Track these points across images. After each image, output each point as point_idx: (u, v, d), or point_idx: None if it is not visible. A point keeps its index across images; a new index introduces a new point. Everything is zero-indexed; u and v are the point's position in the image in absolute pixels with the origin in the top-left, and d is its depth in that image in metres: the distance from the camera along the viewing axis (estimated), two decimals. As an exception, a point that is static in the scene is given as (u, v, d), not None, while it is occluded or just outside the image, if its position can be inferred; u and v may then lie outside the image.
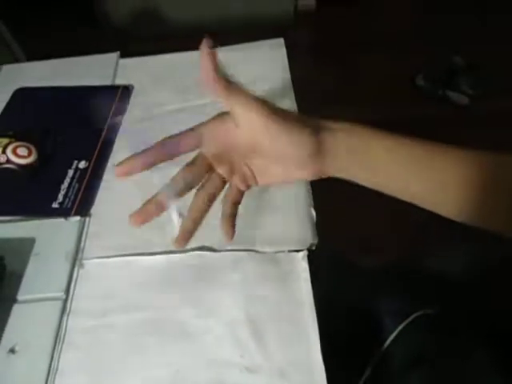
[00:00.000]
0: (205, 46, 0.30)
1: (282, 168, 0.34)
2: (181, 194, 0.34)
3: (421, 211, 0.34)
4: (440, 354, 0.49)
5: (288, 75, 0.61)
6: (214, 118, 0.35)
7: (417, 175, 0.32)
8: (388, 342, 0.48)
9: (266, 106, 0.31)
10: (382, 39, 1.75)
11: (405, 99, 1.58)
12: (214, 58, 0.30)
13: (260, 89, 0.60)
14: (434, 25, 1.80)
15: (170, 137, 0.35)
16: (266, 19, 1.79)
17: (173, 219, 0.36)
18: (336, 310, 0.48)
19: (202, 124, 0.35)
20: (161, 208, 0.34)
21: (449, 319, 0.51)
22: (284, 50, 0.64)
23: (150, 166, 0.33)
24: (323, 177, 0.34)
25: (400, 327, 0.49)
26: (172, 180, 0.34)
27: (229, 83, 0.31)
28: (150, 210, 0.34)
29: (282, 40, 0.66)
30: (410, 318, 0.50)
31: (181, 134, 0.35)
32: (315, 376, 0.36)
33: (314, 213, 0.46)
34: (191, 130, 0.35)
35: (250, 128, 0.32)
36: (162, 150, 0.34)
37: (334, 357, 0.37)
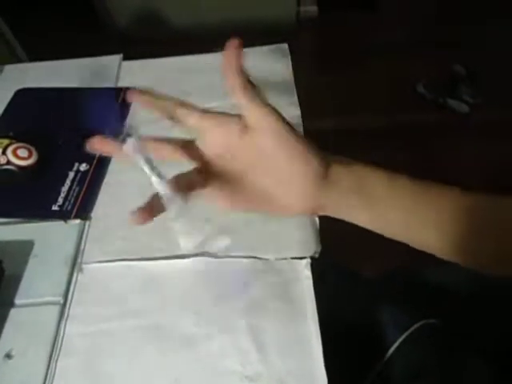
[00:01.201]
0: (231, 45, 0.28)
1: (280, 192, 0.31)
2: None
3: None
4: (441, 365, 0.48)
5: (292, 81, 0.61)
6: (218, 117, 0.33)
7: (414, 213, 0.31)
8: (389, 352, 0.48)
9: (285, 120, 0.30)
10: (383, 46, 1.76)
11: (405, 106, 1.58)
12: (239, 58, 0.29)
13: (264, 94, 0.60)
14: (434, 33, 1.81)
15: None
16: (268, 24, 1.79)
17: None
18: (337, 319, 0.48)
19: (205, 119, 0.33)
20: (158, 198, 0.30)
21: (450, 330, 0.51)
22: (288, 56, 0.64)
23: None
24: (318, 214, 0.33)
25: (401, 338, 0.49)
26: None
27: (252, 86, 0.30)
28: (150, 203, 0.30)
29: (286, 45, 0.66)
30: (412, 329, 0.50)
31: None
32: (317, 386, 0.36)
33: (317, 220, 0.46)
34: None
35: (263, 137, 0.30)
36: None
37: (334, 366, 0.37)
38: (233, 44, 0.28)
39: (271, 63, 0.64)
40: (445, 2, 1.98)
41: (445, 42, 1.71)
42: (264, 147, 0.30)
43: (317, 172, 0.30)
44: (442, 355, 0.49)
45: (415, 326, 0.50)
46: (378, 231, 0.32)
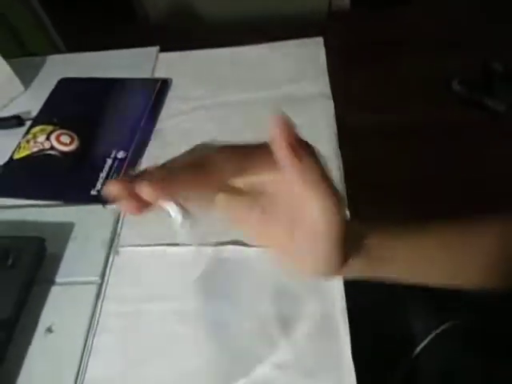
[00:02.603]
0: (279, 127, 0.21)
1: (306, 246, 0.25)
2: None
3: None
4: (469, 367, 0.47)
5: (326, 75, 0.61)
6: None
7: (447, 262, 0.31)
8: (416, 351, 0.47)
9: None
10: (418, 42, 1.71)
11: (439, 104, 1.54)
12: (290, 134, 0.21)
13: (297, 87, 0.60)
14: (471, 29, 1.74)
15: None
16: (300, 17, 1.78)
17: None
18: (365, 316, 0.48)
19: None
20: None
21: (479, 332, 0.50)
22: (323, 50, 0.64)
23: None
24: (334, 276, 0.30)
25: (429, 338, 0.48)
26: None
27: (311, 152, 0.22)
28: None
29: (321, 39, 0.65)
30: (439, 330, 0.49)
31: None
32: (344, 377, 0.36)
33: (346, 210, 0.46)
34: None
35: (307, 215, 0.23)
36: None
37: (361, 364, 0.37)
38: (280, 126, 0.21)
39: (306, 56, 0.64)
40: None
41: (482, 39, 1.65)
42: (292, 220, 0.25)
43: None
44: (471, 357, 0.48)
45: (443, 326, 0.49)
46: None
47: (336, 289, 0.41)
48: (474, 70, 1.58)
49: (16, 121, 0.60)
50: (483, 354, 0.48)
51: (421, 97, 1.54)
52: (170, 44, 0.71)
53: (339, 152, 0.52)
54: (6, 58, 0.64)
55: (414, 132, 1.42)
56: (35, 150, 0.53)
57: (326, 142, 0.53)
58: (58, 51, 1.28)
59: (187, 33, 1.36)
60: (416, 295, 0.55)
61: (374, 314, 0.51)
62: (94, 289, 0.44)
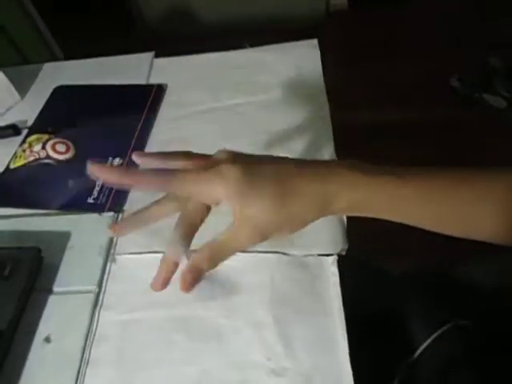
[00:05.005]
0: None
1: None
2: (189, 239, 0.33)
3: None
4: (471, 368, 0.47)
5: (321, 77, 0.61)
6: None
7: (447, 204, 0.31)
8: (418, 352, 0.47)
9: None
10: (416, 40, 1.71)
11: (438, 101, 1.53)
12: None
13: (293, 90, 0.60)
14: (469, 26, 1.74)
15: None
16: (297, 17, 1.78)
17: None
18: (364, 317, 0.47)
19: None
20: (175, 264, 0.33)
21: (481, 333, 0.50)
22: (318, 52, 0.64)
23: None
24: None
25: (430, 338, 0.48)
26: (174, 233, 0.33)
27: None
28: (167, 271, 0.33)
29: (315, 41, 0.65)
30: (441, 330, 0.49)
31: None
32: (342, 382, 0.36)
33: (344, 217, 0.46)
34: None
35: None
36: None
37: (362, 365, 0.37)
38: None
39: (301, 58, 0.64)
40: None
41: (480, 36, 1.64)
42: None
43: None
44: (473, 357, 0.48)
45: (445, 326, 0.49)
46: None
47: (334, 294, 0.41)
48: (473, 67, 1.57)
49: (12, 130, 0.61)
50: (483, 355, 0.47)
51: (420, 95, 1.53)
52: (164, 49, 0.72)
53: (334, 154, 0.52)
54: (3, 66, 0.64)
55: (414, 130, 1.42)
56: (31, 159, 0.53)
57: (323, 143, 0.53)
58: (56, 59, 1.29)
59: (182, 38, 1.36)
60: (416, 296, 0.55)
61: (373, 318, 0.51)
62: (91, 297, 0.44)
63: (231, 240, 0.30)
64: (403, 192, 0.30)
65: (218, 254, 0.31)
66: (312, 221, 0.31)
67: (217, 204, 0.31)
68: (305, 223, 0.31)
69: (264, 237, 0.30)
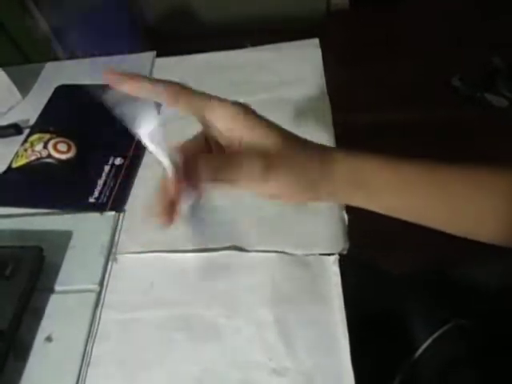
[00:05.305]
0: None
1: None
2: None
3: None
4: (471, 368, 0.47)
5: (322, 76, 0.61)
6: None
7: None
8: (418, 352, 0.47)
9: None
10: (417, 39, 1.71)
11: (440, 101, 1.53)
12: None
13: (294, 90, 0.60)
14: (471, 25, 1.73)
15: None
16: (298, 16, 1.78)
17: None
18: (365, 316, 0.47)
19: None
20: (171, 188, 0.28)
21: (482, 332, 0.50)
22: (319, 51, 0.63)
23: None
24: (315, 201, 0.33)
25: (431, 338, 0.48)
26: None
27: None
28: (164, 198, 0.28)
29: (317, 40, 0.65)
30: (442, 330, 0.49)
31: None
32: (344, 382, 0.36)
33: (346, 216, 0.46)
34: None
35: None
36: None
37: (363, 365, 0.37)
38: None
39: (302, 58, 0.64)
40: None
41: (482, 35, 1.64)
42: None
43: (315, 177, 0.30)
44: (474, 357, 0.48)
45: (446, 326, 0.49)
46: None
47: (335, 293, 0.41)
48: (475, 67, 1.57)
49: (14, 129, 0.61)
50: (484, 355, 0.47)
51: (421, 94, 1.53)
52: (165, 49, 0.72)
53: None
54: (4, 66, 0.64)
55: (415, 130, 1.42)
56: (33, 158, 0.53)
57: (324, 143, 0.53)
58: (57, 58, 1.29)
59: (182, 37, 1.36)
60: (417, 296, 0.55)
61: (374, 318, 0.51)
62: (92, 297, 0.44)
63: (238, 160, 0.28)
64: (404, 176, 0.30)
65: (222, 168, 0.28)
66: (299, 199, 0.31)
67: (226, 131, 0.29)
68: (293, 195, 0.30)
69: (266, 175, 0.28)
